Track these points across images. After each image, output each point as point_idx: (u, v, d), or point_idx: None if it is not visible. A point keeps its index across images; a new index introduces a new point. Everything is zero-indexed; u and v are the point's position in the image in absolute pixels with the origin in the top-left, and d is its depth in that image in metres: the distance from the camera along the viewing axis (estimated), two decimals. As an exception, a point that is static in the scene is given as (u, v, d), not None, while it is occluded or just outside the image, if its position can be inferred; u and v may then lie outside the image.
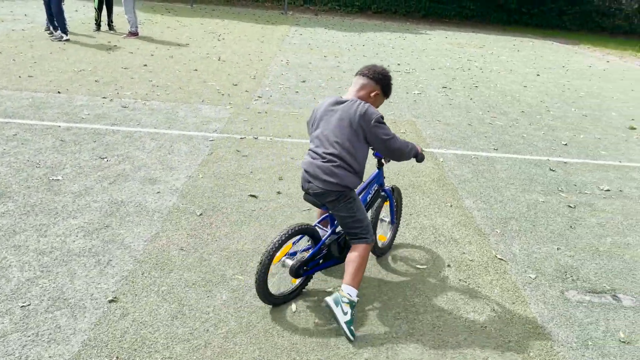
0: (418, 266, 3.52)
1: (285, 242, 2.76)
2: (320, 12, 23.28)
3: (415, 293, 3.23)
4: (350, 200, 2.79)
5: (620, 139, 6.90)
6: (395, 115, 7.14)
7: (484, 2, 26.73)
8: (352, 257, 2.79)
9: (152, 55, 9.60)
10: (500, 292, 3.31)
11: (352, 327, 2.70)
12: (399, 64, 11.22)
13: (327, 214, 3.03)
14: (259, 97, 7.45)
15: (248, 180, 4.60)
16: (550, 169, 5.54)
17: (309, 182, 2.78)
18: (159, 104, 6.64)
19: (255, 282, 2.74)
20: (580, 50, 17.64)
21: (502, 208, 4.50)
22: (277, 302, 2.90)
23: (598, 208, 4.67)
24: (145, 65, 8.72)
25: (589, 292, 3.40)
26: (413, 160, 3.45)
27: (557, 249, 3.90)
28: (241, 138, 5.65)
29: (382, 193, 3.35)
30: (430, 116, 7.22)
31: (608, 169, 5.69)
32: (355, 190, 2.86)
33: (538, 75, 11.38)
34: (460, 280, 3.40)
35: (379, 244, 3.48)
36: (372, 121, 2.72)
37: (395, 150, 2.84)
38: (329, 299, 2.71)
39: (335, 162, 2.71)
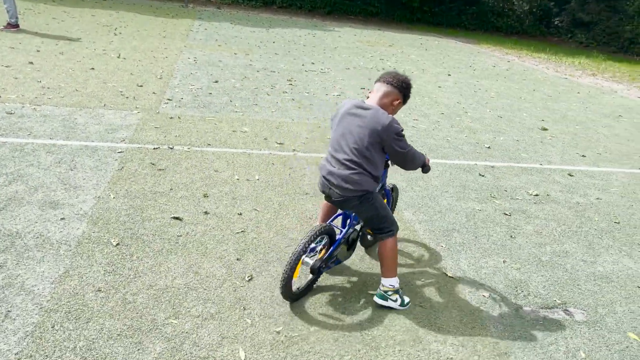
0: (371, 291, 3.22)
1: (311, 244, 2.87)
2: (222, 5, 22.49)
3: (373, 324, 2.93)
4: (371, 201, 2.88)
5: (536, 140, 7.06)
6: (319, 118, 6.83)
7: (388, 0, 27.23)
8: (384, 252, 2.97)
9: (38, 51, 8.59)
10: (459, 316, 3.09)
11: (406, 303, 3.07)
12: (313, 63, 10.93)
13: (340, 213, 3.17)
14: (168, 99, 6.83)
15: (168, 199, 4.07)
16: (480, 174, 5.48)
17: (330, 188, 2.87)
18: (52, 109, 5.85)
19: (282, 280, 2.82)
20: (482, 49, 18.37)
21: (442, 219, 4.32)
22: (296, 298, 3.00)
23: (531, 214, 4.64)
24: (31, 62, 7.75)
25: (542, 307, 3.28)
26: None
27: (503, 261, 3.77)
28: (155, 148, 5.07)
29: (382, 191, 3.41)
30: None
31: (532, 172, 5.74)
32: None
33: (449, 75, 11.58)
34: (417, 305, 3.14)
35: (369, 237, 3.51)
36: (394, 135, 2.77)
37: (408, 162, 2.93)
38: (377, 299, 3.03)
39: (354, 169, 2.78)
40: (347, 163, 2.78)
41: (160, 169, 4.59)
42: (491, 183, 5.26)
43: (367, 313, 3.02)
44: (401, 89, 2.90)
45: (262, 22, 18.04)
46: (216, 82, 8.12)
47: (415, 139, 6.42)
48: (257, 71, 9.34)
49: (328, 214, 3.27)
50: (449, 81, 10.77)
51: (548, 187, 5.35)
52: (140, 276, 3.08)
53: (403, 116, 7.42)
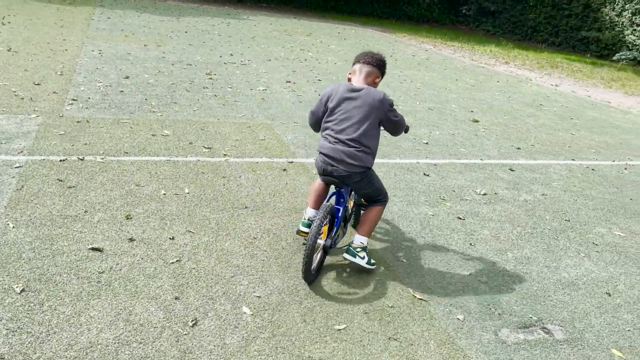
0: (337, 327, 2.78)
1: (323, 225, 2.96)
2: (129, -7, 21.03)
3: (344, 372, 2.50)
4: (370, 178, 3.14)
5: (470, 133, 6.93)
6: (247, 117, 6.27)
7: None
8: (370, 214, 3.23)
9: None
10: (436, 348, 2.73)
11: (371, 261, 3.24)
12: (231, 54, 10.28)
13: (334, 193, 3.25)
14: (73, 100, 6.01)
15: (84, 224, 3.40)
16: (425, 174, 5.20)
17: (333, 165, 3.02)
18: None
19: (304, 265, 2.92)
20: (398, 38, 18.40)
21: (397, 229, 3.97)
22: (314, 279, 3.10)
23: (485, 217, 4.40)
24: None
25: (520, 327, 3.00)
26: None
27: (469, 274, 3.47)
28: (61, 160, 4.32)
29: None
30: (285, 117, 6.49)
31: (474, 169, 5.54)
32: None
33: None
34: (390, 338, 2.75)
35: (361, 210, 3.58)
36: (388, 107, 3.07)
37: (400, 127, 3.23)
38: (346, 255, 3.19)
39: (357, 147, 3.00)
40: (350, 142, 2.99)
41: (70, 187, 3.88)
42: (437, 183, 4.99)
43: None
44: (379, 66, 3.20)
45: (170, 10, 16.98)
46: (127, 78, 7.31)
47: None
48: (172, 64, 8.58)
49: (320, 197, 3.33)
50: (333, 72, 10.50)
51: (493, 184, 5.16)
52: (55, 332, 2.45)
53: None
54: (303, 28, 17.18)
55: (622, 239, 4.30)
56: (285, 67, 9.68)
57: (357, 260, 3.17)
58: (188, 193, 4.04)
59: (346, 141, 3.00)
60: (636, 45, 19.38)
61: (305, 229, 3.28)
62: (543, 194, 5.06)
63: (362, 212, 3.45)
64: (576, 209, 4.80)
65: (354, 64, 3.21)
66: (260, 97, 7.26)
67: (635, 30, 19.45)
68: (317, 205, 3.31)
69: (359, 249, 3.18)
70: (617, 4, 20.03)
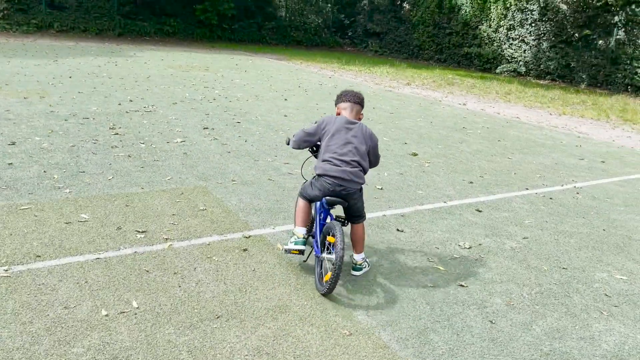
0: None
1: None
2: (-9, 35, 18.78)
3: None
4: (362, 193, 3.67)
5: (417, 170, 6.49)
6: (175, 180, 5.32)
7: (184, 18, 25.71)
8: (359, 233, 3.66)
9: None
10: None
11: (370, 263, 3.84)
12: (131, 100, 9.15)
13: (324, 211, 3.60)
14: (-51, 181, 4.73)
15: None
16: (398, 229, 4.61)
17: (342, 186, 3.47)
18: None
19: (334, 282, 3.27)
20: (296, 66, 18.00)
21: (406, 315, 3.30)
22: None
23: (485, 279, 3.87)
24: None
25: None
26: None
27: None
28: (-52, 282, 3.17)
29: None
30: (219, 175, 5.62)
31: (442, 215, 5.05)
32: None
33: (286, 100, 10.72)
34: None
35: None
36: (376, 142, 3.70)
37: (377, 161, 3.80)
38: (355, 273, 3.70)
39: (359, 167, 3.54)
40: (354, 163, 3.49)
41: (-32, 327, 2.77)
42: (416, 240, 4.41)
43: None
44: (362, 103, 3.77)
45: (44, 51, 15.27)
46: (13, 144, 6.05)
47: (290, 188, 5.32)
48: (65, 120, 7.35)
49: (308, 215, 3.69)
50: (290, 107, 9.88)
51: (471, 232, 4.68)
52: None
53: (270, 160, 6.28)
54: (197, 62, 16.20)
55: (628, 284, 3.96)
56: (196, 111, 8.74)
57: (363, 270, 3.75)
58: (137, 308, 3.09)
59: (350, 162, 3.49)
60: (514, 58, 20.58)
61: (301, 247, 3.54)
62: (524, 238, 4.65)
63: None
64: (564, 252, 4.44)
65: (341, 101, 3.75)
66: (181, 152, 6.31)
67: (511, 44, 20.66)
68: (306, 224, 3.67)
69: (361, 262, 3.73)
70: (493, 21, 21.20)
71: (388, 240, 4.35)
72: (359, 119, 3.72)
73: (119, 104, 8.75)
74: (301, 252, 3.56)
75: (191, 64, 15.35)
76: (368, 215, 4.77)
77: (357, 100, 3.73)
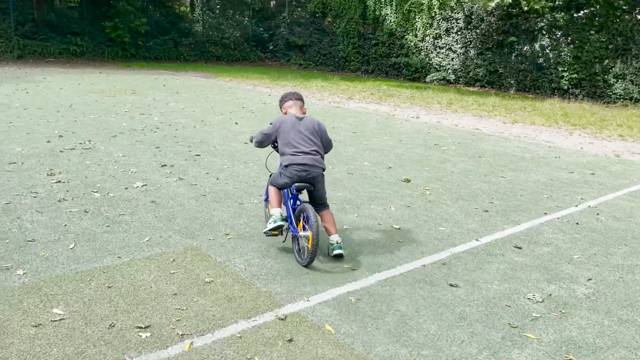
0: None
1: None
2: None
3: None
4: (324, 179, 4.17)
5: (421, 199, 5.79)
6: (157, 242, 4.25)
7: (93, 37, 23.82)
8: (329, 217, 4.18)
9: None
10: None
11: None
12: (61, 136, 7.81)
13: (293, 196, 4.20)
14: None
15: None
16: (451, 284, 3.85)
17: (307, 171, 3.99)
18: None
19: (315, 253, 3.82)
20: (228, 83, 16.93)
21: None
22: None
23: (582, 343, 3.20)
24: None
25: None
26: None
27: None
28: None
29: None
30: (207, 228, 4.60)
31: (483, 257, 4.37)
32: None
33: (237, 123, 9.72)
34: None
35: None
36: (325, 129, 4.32)
37: (330, 146, 4.36)
38: (337, 251, 4.06)
39: (318, 154, 4.11)
40: (314, 152, 4.08)
41: None
42: (478, 297, 3.67)
43: None
44: (302, 99, 4.46)
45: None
46: None
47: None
48: (-13, 166, 5.98)
49: (281, 199, 4.18)
50: (245, 132, 8.91)
51: (528, 278, 4.02)
52: None
53: (255, 202, 5.33)
54: (120, 84, 14.71)
55: None
56: (142, 144, 7.56)
57: (342, 249, 4.08)
58: None
59: (310, 152, 4.03)
60: (443, 66, 20.73)
61: (280, 223, 3.95)
62: (589, 279, 4.05)
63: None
64: (634, 293, 3.88)
65: (285, 102, 4.36)
66: (148, 200, 5.20)
67: (439, 53, 20.81)
68: (280, 205, 4.10)
69: (340, 242, 4.09)
70: (419, 31, 21.28)
71: (448, 301, 3.57)
72: (304, 113, 4.34)
73: (48, 141, 7.39)
74: (280, 228, 3.99)
75: (114, 88, 13.86)
76: (405, 265, 4.02)
77: (299, 97, 4.44)
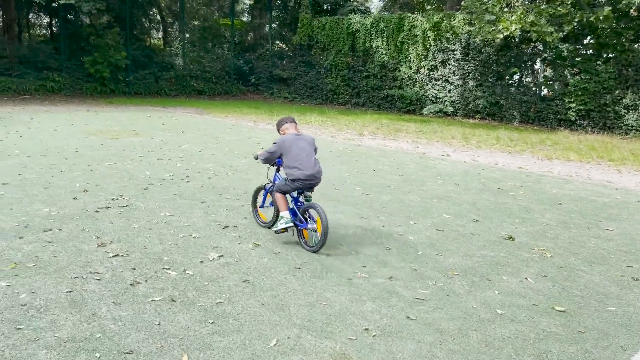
0: None
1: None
2: None
3: None
4: None
5: (554, 269, 4.96)
6: (288, 347, 3.26)
7: (71, 72, 22.52)
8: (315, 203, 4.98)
9: None
10: None
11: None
12: (86, 191, 6.70)
13: (295, 198, 5.02)
14: None
15: None
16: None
17: (312, 180, 4.82)
18: None
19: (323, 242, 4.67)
20: (224, 119, 15.98)
21: None
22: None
23: None
24: None
25: None
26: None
27: None
28: None
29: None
30: (336, 320, 3.63)
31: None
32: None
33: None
34: None
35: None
36: (313, 140, 5.07)
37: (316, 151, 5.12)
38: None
39: (318, 163, 4.91)
40: (316, 161, 4.88)
41: None
42: None
43: None
44: (296, 121, 5.21)
45: None
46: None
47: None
48: (20, 238, 4.86)
49: (287, 203, 4.99)
50: (249, 171, 7.95)
51: None
52: None
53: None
54: (116, 124, 13.55)
55: None
56: (184, 198, 6.53)
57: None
58: None
59: (315, 164, 4.86)
60: (439, 98, 20.34)
61: (290, 224, 4.86)
62: None
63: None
64: None
65: (283, 124, 5.15)
66: (238, 279, 4.19)
67: (435, 84, 20.43)
68: (287, 209, 4.93)
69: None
70: (413, 62, 20.90)
71: None
72: (298, 130, 5.11)
73: (74, 198, 6.27)
74: (289, 229, 4.87)
75: (110, 128, 12.70)
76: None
77: (293, 120, 5.18)
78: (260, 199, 5.67)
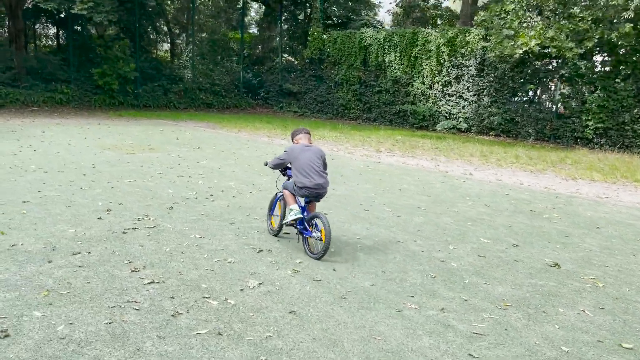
0: None
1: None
2: None
3: None
4: None
5: (598, 296, 4.72)
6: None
7: (79, 84, 22.38)
8: (314, 206, 5.38)
9: None
10: None
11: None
12: (109, 210, 6.49)
13: (303, 207, 5.27)
14: None
15: None
16: None
17: (319, 190, 5.07)
18: None
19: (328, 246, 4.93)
20: (238, 134, 15.81)
21: None
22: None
23: None
24: None
25: None
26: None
27: None
28: None
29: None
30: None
31: None
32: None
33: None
34: None
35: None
36: (324, 154, 5.32)
37: (326, 167, 5.35)
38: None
39: (325, 175, 5.16)
40: (322, 173, 5.12)
41: None
42: None
43: None
44: (309, 132, 5.54)
45: None
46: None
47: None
48: (49, 262, 4.64)
49: (295, 197, 5.26)
50: (273, 189, 7.73)
51: None
52: None
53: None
54: (128, 137, 13.37)
55: None
56: (211, 219, 6.30)
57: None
58: None
59: (320, 172, 5.10)
60: (453, 114, 20.16)
61: (299, 215, 5.13)
62: None
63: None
64: None
65: (297, 135, 5.44)
66: (284, 310, 3.96)
67: (449, 100, 20.27)
68: (295, 202, 5.22)
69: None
70: (426, 78, 20.76)
71: None
72: (310, 142, 5.38)
73: (99, 218, 6.06)
74: (299, 219, 5.13)
75: (124, 142, 12.52)
76: None
77: (307, 131, 5.48)
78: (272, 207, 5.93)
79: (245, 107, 27.45)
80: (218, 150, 12.13)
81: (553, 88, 17.96)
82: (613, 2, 13.72)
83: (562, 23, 14.76)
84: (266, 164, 5.54)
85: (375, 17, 30.11)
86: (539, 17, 15.28)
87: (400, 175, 10.10)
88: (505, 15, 15.72)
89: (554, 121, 17.44)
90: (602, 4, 14.16)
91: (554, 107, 17.59)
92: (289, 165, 5.37)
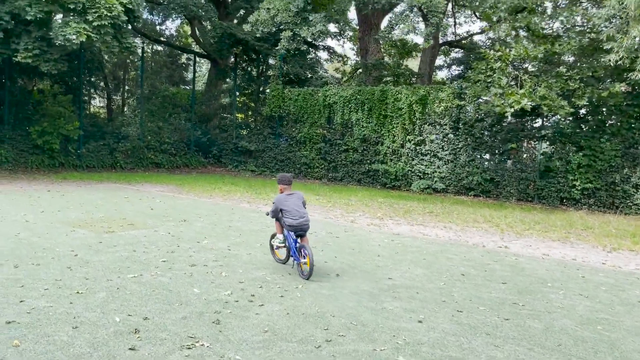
0: None
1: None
2: None
3: None
4: None
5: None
6: None
7: (14, 144, 19.78)
8: (306, 240, 6.72)
9: None
10: None
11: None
12: (136, 331, 4.65)
13: (295, 240, 6.76)
14: None
15: None
16: None
17: (303, 226, 6.60)
18: None
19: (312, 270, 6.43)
20: (209, 199, 13.99)
21: None
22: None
23: None
24: None
25: None
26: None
27: None
28: None
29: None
30: None
31: None
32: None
33: (250, 254, 6.95)
34: None
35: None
36: (303, 196, 6.94)
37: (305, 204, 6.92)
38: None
39: (307, 215, 6.70)
40: (304, 214, 6.64)
41: None
42: None
43: None
44: (291, 182, 7.04)
45: None
46: None
47: None
48: None
49: (282, 228, 6.89)
50: (256, 261, 6.21)
51: None
52: None
53: None
54: (92, 209, 11.25)
55: None
56: (249, 328, 4.63)
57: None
58: None
59: (303, 214, 6.63)
60: (427, 174, 19.40)
61: (285, 243, 6.90)
62: None
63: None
64: None
65: (282, 184, 6.93)
66: None
67: (422, 159, 19.53)
68: (282, 232, 6.90)
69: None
70: (398, 136, 20.01)
71: None
72: (290, 191, 6.87)
73: (131, 349, 4.22)
74: (284, 245, 6.91)
75: (94, 216, 10.43)
76: None
77: (290, 181, 7.01)
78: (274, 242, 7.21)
79: (196, 166, 25.57)
80: (209, 223, 10.33)
81: (534, 147, 17.63)
82: (604, 61, 13.56)
83: (550, 82, 14.45)
84: (267, 214, 7.01)
85: (332, 76, 29.56)
86: (527, 76, 14.93)
87: (440, 253, 8.76)
88: (491, 74, 15.28)
89: (537, 181, 16.99)
90: (594, 64, 14.00)
91: (537, 166, 17.18)
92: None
